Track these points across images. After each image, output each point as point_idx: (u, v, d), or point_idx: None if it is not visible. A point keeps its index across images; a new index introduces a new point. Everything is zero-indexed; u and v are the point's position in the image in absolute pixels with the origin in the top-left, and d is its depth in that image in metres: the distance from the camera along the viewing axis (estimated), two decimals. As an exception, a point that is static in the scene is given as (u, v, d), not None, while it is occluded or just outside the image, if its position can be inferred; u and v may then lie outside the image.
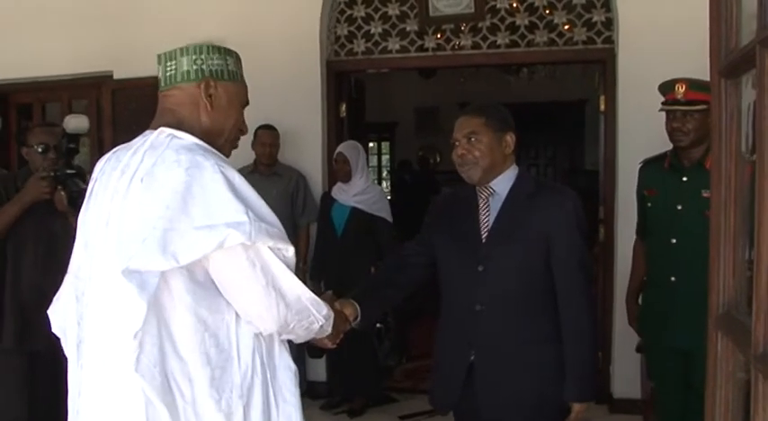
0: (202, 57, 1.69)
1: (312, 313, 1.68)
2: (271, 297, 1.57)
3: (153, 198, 1.50)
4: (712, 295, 1.10)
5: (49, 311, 1.79)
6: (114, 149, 1.74)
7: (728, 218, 1.05)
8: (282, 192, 4.59)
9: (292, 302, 1.61)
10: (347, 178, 4.53)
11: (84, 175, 2.99)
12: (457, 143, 2.32)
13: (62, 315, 1.75)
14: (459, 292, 2.37)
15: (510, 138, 2.32)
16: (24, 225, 3.07)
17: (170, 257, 1.45)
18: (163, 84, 1.72)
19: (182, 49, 1.70)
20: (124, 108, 5.12)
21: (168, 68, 1.70)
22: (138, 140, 1.68)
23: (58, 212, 3.04)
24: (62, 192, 2.95)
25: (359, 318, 2.22)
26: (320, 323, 1.72)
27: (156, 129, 1.66)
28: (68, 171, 2.98)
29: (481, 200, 2.35)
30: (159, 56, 1.73)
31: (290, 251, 1.60)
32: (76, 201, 2.92)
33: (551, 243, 2.25)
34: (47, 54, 5.20)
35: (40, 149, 3.09)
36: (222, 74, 1.71)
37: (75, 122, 3.21)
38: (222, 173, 1.52)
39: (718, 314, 1.09)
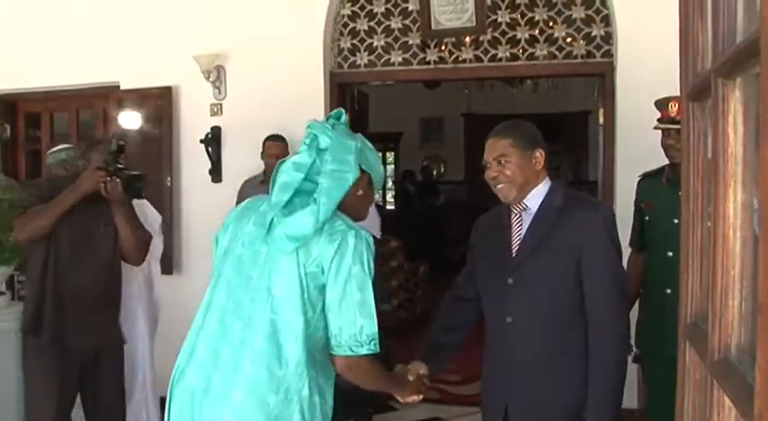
0: None
1: None
2: None
3: None
4: (682, 306, 1.16)
5: None
6: None
7: (696, 233, 1.10)
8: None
9: None
10: None
11: (129, 170, 3.20)
12: (488, 165, 2.33)
13: None
14: (493, 306, 2.41)
15: (539, 154, 2.32)
16: (63, 223, 3.12)
17: None
18: None
19: None
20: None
21: None
22: None
23: (94, 210, 3.13)
24: (116, 179, 3.10)
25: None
26: None
27: None
28: (118, 165, 3.16)
29: (514, 215, 2.37)
30: None
31: None
32: (132, 187, 3.15)
33: (581, 258, 2.24)
34: (55, 64, 5.29)
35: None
36: None
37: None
38: None
39: (686, 324, 1.14)
